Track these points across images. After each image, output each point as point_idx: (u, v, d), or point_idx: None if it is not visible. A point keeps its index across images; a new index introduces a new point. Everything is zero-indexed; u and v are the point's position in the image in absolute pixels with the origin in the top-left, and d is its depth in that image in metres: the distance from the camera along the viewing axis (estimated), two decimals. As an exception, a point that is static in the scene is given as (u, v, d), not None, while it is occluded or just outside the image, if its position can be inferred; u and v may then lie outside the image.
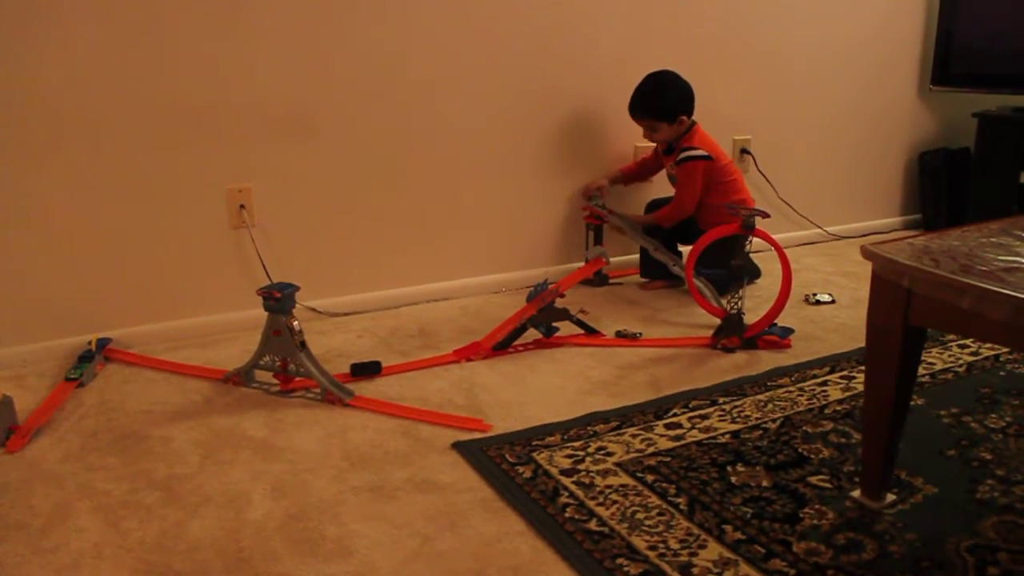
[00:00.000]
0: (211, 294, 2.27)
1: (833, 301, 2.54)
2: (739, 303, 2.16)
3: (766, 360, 2.08)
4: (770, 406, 1.81)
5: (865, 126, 3.34)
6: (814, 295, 2.56)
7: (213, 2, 2.10)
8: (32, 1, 1.92)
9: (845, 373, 1.99)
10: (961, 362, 2.05)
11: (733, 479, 1.51)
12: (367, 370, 1.98)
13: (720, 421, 1.74)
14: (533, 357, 2.11)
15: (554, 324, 2.21)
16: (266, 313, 1.85)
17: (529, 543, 1.33)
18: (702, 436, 1.67)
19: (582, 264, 2.71)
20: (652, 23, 2.74)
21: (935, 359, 2.06)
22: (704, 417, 1.76)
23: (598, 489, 1.47)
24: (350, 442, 1.67)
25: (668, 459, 1.58)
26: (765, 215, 2.18)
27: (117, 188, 2.10)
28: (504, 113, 2.57)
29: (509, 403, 1.84)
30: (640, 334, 2.25)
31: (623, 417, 1.75)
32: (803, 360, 2.07)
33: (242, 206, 2.25)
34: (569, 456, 1.59)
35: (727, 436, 1.67)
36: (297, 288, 1.87)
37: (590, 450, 1.61)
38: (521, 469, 1.54)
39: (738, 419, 1.75)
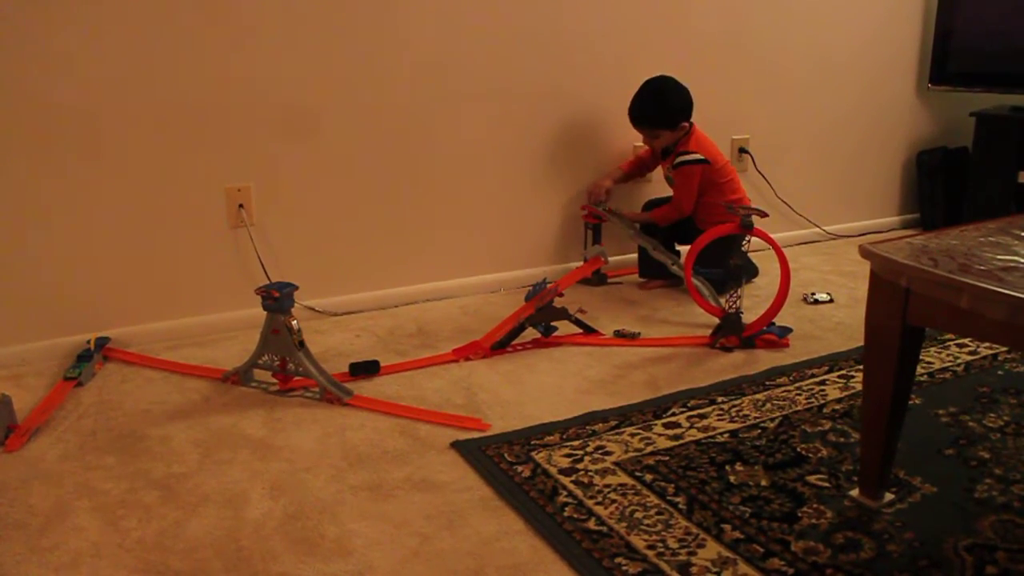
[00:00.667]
0: (210, 293, 2.27)
1: (831, 300, 2.55)
2: (737, 302, 2.16)
3: (764, 359, 2.08)
4: (768, 405, 1.81)
5: (863, 125, 3.34)
6: (812, 294, 2.56)
7: (213, 2, 2.10)
8: (32, 1, 1.92)
9: (843, 372, 1.99)
10: (959, 361, 2.05)
11: (732, 478, 1.51)
12: (366, 369, 1.98)
13: (719, 420, 1.74)
14: (532, 356, 2.11)
15: (552, 323, 2.21)
16: (265, 312, 1.85)
17: (528, 542, 1.33)
18: (701, 435, 1.67)
19: (581, 263, 2.71)
20: (652, 23, 2.74)
21: (933, 358, 2.06)
22: (703, 416, 1.76)
23: (597, 488, 1.48)
24: (349, 441, 1.67)
25: (667, 458, 1.58)
26: (763, 214, 2.18)
27: (116, 187, 2.10)
28: (503, 113, 2.57)
29: (508, 402, 1.84)
30: (639, 333, 2.25)
31: (622, 416, 1.76)
32: (801, 359, 2.08)
33: (241, 205, 2.25)
34: (568, 455, 1.59)
35: (726, 435, 1.67)
36: (296, 287, 1.87)
37: (589, 449, 1.61)
38: (520, 468, 1.54)
39: (736, 418, 1.75)
